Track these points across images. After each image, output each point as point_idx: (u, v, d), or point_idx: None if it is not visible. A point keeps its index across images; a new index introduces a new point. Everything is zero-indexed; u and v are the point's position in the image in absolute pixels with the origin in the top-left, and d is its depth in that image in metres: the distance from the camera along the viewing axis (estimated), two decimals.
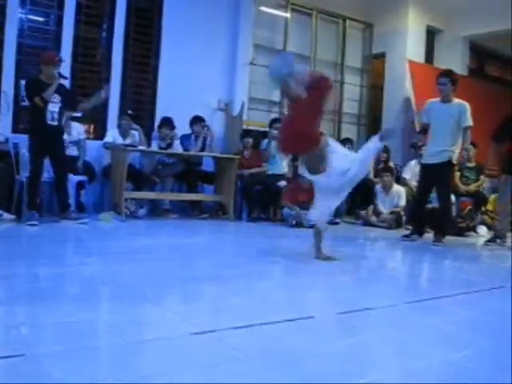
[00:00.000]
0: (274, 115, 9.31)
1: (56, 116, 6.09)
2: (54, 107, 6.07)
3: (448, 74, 6.57)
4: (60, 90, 6.12)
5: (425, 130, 6.82)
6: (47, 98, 5.94)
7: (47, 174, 6.27)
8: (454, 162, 6.46)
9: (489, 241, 6.87)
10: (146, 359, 2.08)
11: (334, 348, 2.33)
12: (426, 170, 6.67)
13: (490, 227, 8.12)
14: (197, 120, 7.93)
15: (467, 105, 6.44)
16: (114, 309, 2.85)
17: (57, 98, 6.09)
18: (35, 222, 5.68)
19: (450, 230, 6.92)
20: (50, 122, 6.04)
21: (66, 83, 6.49)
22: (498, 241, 6.71)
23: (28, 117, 6.45)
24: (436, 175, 6.47)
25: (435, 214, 6.88)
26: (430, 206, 7.26)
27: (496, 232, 6.92)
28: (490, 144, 6.95)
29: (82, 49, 7.67)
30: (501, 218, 6.95)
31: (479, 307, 3.37)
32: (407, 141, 9.80)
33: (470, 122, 6.38)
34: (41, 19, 7.54)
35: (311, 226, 7.06)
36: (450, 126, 6.38)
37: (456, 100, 6.50)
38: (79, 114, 7.29)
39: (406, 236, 6.71)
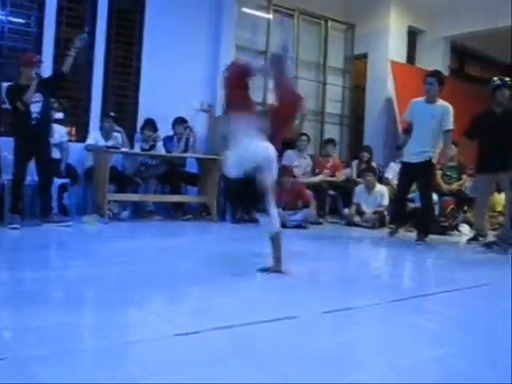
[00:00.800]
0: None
1: (39, 116, 6.03)
2: (36, 107, 6.01)
3: (436, 74, 6.67)
4: (40, 86, 6.00)
5: (408, 130, 6.83)
6: (27, 100, 5.89)
7: (30, 177, 6.22)
8: (434, 161, 6.52)
9: (471, 239, 6.94)
10: (130, 361, 2.07)
11: (319, 347, 2.34)
12: (406, 168, 6.70)
13: (471, 226, 8.20)
14: (179, 121, 7.91)
15: (451, 107, 6.47)
16: (98, 311, 2.84)
17: (38, 96, 6.01)
18: (17, 226, 5.63)
19: (432, 229, 6.95)
20: (34, 123, 6.00)
21: None
22: (480, 239, 6.74)
23: (10, 120, 6.40)
24: (416, 174, 6.54)
25: (418, 213, 6.96)
26: (412, 205, 7.35)
27: (477, 231, 6.96)
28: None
29: (63, 50, 7.61)
30: (477, 216, 7.03)
31: (462, 305, 3.40)
32: (389, 141, 9.87)
33: (451, 125, 6.42)
34: (21, 21, 7.47)
35: (294, 227, 7.18)
36: (432, 126, 6.42)
37: (440, 101, 6.54)
38: (61, 117, 7.24)
39: (391, 233, 6.88)
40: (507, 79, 6.56)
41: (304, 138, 8.81)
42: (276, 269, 3.96)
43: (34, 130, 5.99)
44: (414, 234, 6.79)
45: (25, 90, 5.89)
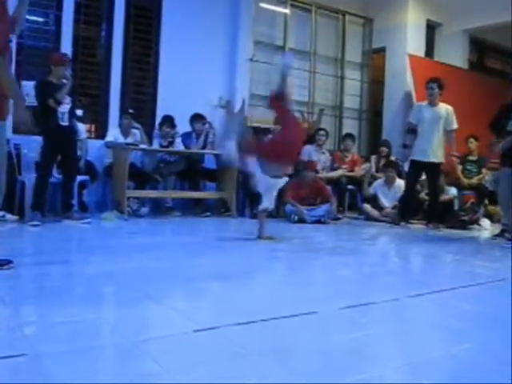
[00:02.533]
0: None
1: (67, 116, 6.11)
2: (64, 108, 6.10)
3: (436, 79, 7.18)
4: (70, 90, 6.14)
5: (413, 130, 7.39)
6: (61, 99, 5.99)
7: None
8: (442, 160, 7.18)
9: (496, 235, 6.82)
10: (149, 357, 2.08)
11: (337, 343, 2.33)
12: (414, 166, 7.34)
13: (493, 220, 8.14)
14: (197, 118, 7.92)
15: (452, 109, 7.11)
16: (117, 308, 2.85)
17: (67, 98, 6.12)
18: (38, 223, 5.69)
19: (452, 223, 7.49)
20: (62, 123, 6.07)
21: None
22: (507, 235, 6.58)
23: (36, 118, 6.43)
24: (426, 172, 7.28)
25: (427, 206, 7.64)
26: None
27: (504, 226, 6.80)
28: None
29: (81, 48, 7.68)
30: (504, 211, 6.92)
31: (482, 300, 3.37)
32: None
33: (455, 125, 7.10)
34: (40, 19, 7.55)
35: (314, 222, 7.17)
36: (436, 127, 7.09)
37: (442, 104, 7.17)
38: (80, 114, 7.29)
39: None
40: None
41: (322, 132, 8.80)
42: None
43: (64, 130, 6.08)
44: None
45: (55, 88, 5.96)
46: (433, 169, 7.21)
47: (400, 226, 7.35)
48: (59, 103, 5.99)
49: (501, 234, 6.72)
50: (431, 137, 7.05)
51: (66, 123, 6.11)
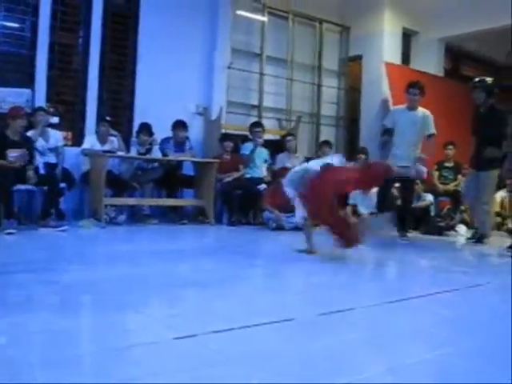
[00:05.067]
0: (252, 119, 9.32)
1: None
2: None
3: (418, 85, 7.01)
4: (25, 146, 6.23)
5: (387, 132, 7.19)
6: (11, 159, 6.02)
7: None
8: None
9: (470, 238, 7.04)
10: (128, 365, 2.07)
11: (316, 349, 2.34)
12: None
13: (469, 226, 8.23)
14: (179, 125, 7.89)
15: (430, 114, 6.92)
16: (96, 316, 2.83)
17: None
18: (13, 231, 5.62)
19: (429, 230, 7.53)
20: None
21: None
22: (485, 240, 6.76)
23: None
24: (400, 178, 6.92)
25: (398, 212, 7.32)
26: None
27: (478, 230, 6.96)
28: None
29: (58, 55, 7.62)
30: (472, 211, 7.29)
31: (460, 305, 3.40)
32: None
33: (433, 129, 6.88)
34: (16, 25, 7.48)
35: (292, 229, 7.17)
36: (414, 132, 6.85)
37: (420, 108, 6.97)
38: (57, 121, 7.25)
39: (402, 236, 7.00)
40: (485, 80, 6.87)
41: (289, 138, 8.73)
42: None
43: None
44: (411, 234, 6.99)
45: (8, 143, 6.07)
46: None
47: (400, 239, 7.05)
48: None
49: (474, 237, 6.90)
50: (405, 141, 6.85)
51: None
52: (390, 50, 10.56)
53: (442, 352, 2.36)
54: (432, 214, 8.19)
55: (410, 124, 6.86)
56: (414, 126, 6.86)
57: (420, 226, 7.83)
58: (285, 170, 7.88)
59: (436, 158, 8.85)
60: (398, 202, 7.70)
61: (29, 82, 7.31)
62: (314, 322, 2.81)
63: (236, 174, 8.09)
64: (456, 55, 12.20)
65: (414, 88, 6.92)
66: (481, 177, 6.69)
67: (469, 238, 7.03)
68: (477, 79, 6.96)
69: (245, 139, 8.65)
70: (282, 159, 8.56)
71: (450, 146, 8.71)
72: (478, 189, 6.73)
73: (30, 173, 6.19)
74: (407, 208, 7.17)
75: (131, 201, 7.49)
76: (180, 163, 8.07)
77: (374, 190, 8.13)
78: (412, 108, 6.96)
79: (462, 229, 8.13)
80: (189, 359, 2.15)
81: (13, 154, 5.98)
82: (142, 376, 1.93)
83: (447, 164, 8.75)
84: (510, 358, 2.24)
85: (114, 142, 7.45)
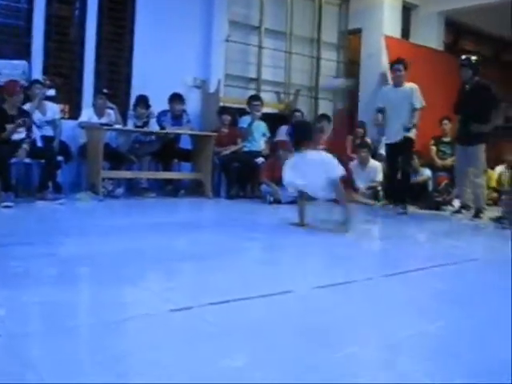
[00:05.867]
0: (250, 92, 9.26)
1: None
2: (17, 136, 6.22)
3: (401, 60, 7.21)
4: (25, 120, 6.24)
5: (381, 112, 7.45)
6: (9, 135, 6.11)
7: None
8: (413, 137, 7.09)
9: (456, 212, 7.20)
10: (124, 337, 2.09)
11: (312, 322, 2.36)
12: (389, 148, 7.39)
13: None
14: (176, 98, 7.85)
15: (417, 87, 7.08)
16: (92, 289, 2.85)
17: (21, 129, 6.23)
18: (10, 204, 5.61)
19: (427, 204, 7.62)
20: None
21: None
22: (463, 211, 7.05)
23: None
24: (398, 152, 7.18)
25: (398, 186, 7.37)
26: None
27: (461, 203, 7.23)
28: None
29: (54, 27, 7.54)
30: (458, 187, 7.40)
31: (455, 279, 3.42)
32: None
33: (420, 103, 7.02)
34: None
35: (289, 202, 7.19)
36: (404, 106, 7.05)
37: (407, 84, 7.15)
38: (53, 94, 7.20)
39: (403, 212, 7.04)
40: (471, 58, 6.97)
41: (298, 114, 8.80)
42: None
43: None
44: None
45: (7, 118, 6.11)
46: (403, 145, 7.07)
47: (385, 207, 7.35)
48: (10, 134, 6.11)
49: (459, 211, 7.13)
50: (398, 117, 7.02)
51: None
52: (389, 23, 10.47)
53: (437, 325, 2.38)
54: (430, 188, 8.20)
55: (398, 100, 7.07)
56: (403, 101, 7.04)
57: (418, 201, 7.83)
58: (284, 142, 7.89)
59: (433, 132, 8.86)
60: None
61: (25, 53, 7.24)
62: (310, 294, 2.83)
63: (234, 148, 8.08)
64: (456, 29, 12.11)
65: (398, 64, 7.14)
66: (469, 151, 6.81)
67: (454, 212, 7.21)
68: (463, 57, 7.10)
69: (243, 112, 8.60)
70: (284, 132, 8.54)
71: (445, 121, 8.71)
72: (469, 164, 6.85)
73: (23, 149, 6.20)
74: (406, 181, 7.28)
75: (128, 174, 7.48)
76: (177, 136, 8.04)
77: (373, 163, 8.19)
78: (398, 84, 7.17)
79: (458, 204, 8.13)
80: (185, 331, 2.17)
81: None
82: (137, 349, 1.94)
83: (445, 139, 8.74)
84: (505, 335, 2.27)
85: (111, 114, 7.42)
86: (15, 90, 6.22)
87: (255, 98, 8.58)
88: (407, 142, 7.05)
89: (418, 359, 2.01)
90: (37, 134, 6.64)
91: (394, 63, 7.25)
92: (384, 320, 2.47)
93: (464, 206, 7.09)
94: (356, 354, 2.00)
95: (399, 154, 7.19)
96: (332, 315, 2.47)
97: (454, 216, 7.01)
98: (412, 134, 7.03)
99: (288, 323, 2.32)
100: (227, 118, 8.20)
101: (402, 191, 7.25)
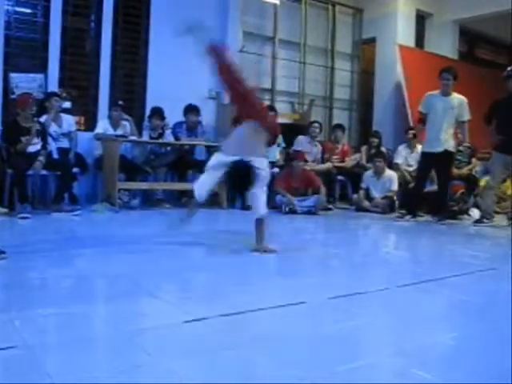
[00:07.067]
0: (265, 102, 9.28)
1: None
2: (33, 148, 6.29)
3: (451, 70, 7.00)
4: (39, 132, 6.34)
5: (423, 120, 7.19)
6: (25, 147, 6.22)
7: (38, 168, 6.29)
8: (453, 150, 7.02)
9: (476, 221, 7.08)
10: (139, 348, 2.08)
11: (326, 333, 2.35)
12: (425, 157, 7.15)
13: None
14: (191, 110, 7.87)
15: (466, 100, 6.90)
16: (109, 299, 2.86)
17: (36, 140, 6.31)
18: (27, 215, 5.66)
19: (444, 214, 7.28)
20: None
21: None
22: (485, 220, 6.94)
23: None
24: (436, 163, 6.99)
25: (435, 198, 7.28)
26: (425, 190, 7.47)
27: (482, 212, 7.13)
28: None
29: (70, 39, 7.62)
30: (484, 196, 7.31)
31: (472, 289, 3.39)
32: (399, 126, 9.81)
33: (467, 116, 6.89)
34: (28, 11, 7.48)
35: (304, 213, 7.18)
36: (449, 118, 6.88)
37: (455, 94, 6.95)
38: (69, 106, 7.26)
39: (400, 216, 7.11)
40: None
41: (316, 125, 8.80)
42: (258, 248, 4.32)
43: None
44: (423, 218, 7.09)
45: (22, 131, 6.21)
46: (443, 158, 6.94)
47: (406, 219, 7.11)
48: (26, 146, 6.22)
49: (480, 220, 7.02)
50: (441, 127, 6.87)
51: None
52: (403, 32, 10.47)
53: (454, 336, 2.36)
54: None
55: (444, 110, 6.89)
56: (448, 111, 6.89)
57: (433, 210, 7.78)
58: (300, 153, 7.89)
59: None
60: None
61: (42, 66, 7.33)
62: (324, 305, 2.82)
63: None
64: (471, 37, 12.08)
65: (447, 73, 6.90)
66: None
67: (475, 222, 7.08)
68: (509, 68, 6.93)
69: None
70: (302, 142, 8.57)
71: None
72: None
73: (39, 161, 6.25)
74: (444, 194, 7.21)
75: (144, 185, 7.51)
76: (192, 148, 8.06)
77: (389, 173, 8.15)
78: (445, 93, 6.94)
79: (475, 213, 8.06)
80: (198, 342, 2.16)
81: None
82: (150, 360, 1.94)
83: (461, 148, 8.68)
84: None
85: (127, 126, 7.47)
86: (28, 102, 6.29)
87: (270, 108, 8.59)
88: (449, 155, 7.00)
89: (436, 370, 1.99)
90: (53, 146, 6.71)
91: (442, 71, 6.98)
92: (400, 330, 2.46)
93: (484, 216, 7.00)
94: (374, 365, 1.99)
95: (436, 166, 7.07)
96: (347, 326, 2.45)
97: (477, 226, 6.91)
98: (452, 147, 6.98)
99: (303, 335, 2.31)
100: None
101: (440, 202, 7.20)
